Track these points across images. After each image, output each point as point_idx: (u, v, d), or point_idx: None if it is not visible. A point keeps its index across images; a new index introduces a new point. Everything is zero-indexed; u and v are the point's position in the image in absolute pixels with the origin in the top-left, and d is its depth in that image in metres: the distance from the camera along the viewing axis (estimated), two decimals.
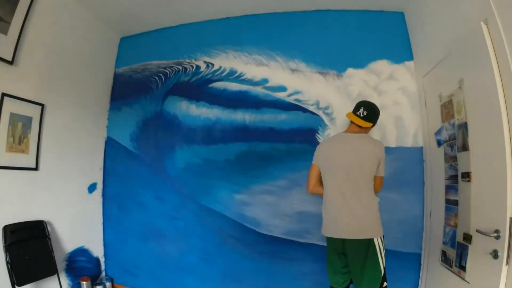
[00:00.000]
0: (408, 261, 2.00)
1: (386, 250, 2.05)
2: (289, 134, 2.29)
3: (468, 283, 1.38)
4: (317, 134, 2.24)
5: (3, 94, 1.79)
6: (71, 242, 2.30)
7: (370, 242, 1.54)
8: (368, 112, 1.68)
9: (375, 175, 1.65)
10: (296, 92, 2.32)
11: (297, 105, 2.31)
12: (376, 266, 1.54)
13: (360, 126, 1.70)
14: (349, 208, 1.58)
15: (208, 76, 2.55)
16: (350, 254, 1.58)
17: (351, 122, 1.74)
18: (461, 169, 1.50)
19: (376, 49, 2.22)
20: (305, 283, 2.17)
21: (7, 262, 1.71)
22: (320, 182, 1.77)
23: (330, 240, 1.67)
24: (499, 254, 1.15)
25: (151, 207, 2.56)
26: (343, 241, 1.59)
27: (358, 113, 1.69)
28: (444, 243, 1.67)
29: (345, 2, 2.25)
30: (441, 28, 1.75)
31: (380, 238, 1.57)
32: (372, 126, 1.77)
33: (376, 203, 1.62)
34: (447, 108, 1.65)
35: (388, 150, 2.10)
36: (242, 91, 2.43)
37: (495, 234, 1.17)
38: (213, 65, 2.54)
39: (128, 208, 2.62)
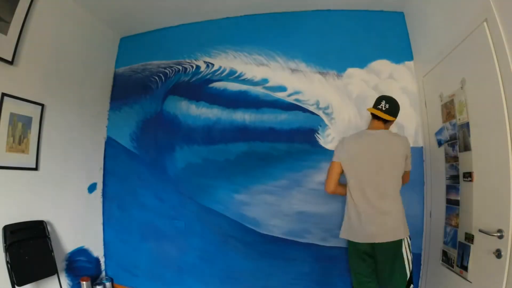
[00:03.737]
0: None
1: None
2: (289, 134, 2.28)
3: (470, 282, 1.38)
4: (317, 134, 2.24)
5: (3, 94, 1.79)
6: (71, 242, 2.30)
7: (398, 243, 1.49)
8: (390, 106, 1.61)
9: (404, 171, 1.60)
10: (296, 92, 2.32)
11: (297, 105, 2.30)
12: (403, 268, 1.49)
13: (384, 121, 1.63)
14: (378, 208, 1.50)
15: (208, 76, 2.54)
16: (379, 257, 1.52)
17: (373, 118, 1.67)
18: (463, 169, 1.50)
19: (376, 49, 2.22)
20: (305, 283, 2.17)
21: (7, 262, 1.71)
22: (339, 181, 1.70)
23: (355, 244, 1.57)
24: (502, 253, 1.15)
25: (151, 207, 2.56)
26: (372, 244, 1.51)
27: (379, 107, 1.62)
28: (445, 243, 1.67)
29: (345, 2, 2.25)
30: (441, 28, 1.75)
31: (407, 238, 1.52)
32: (393, 121, 1.69)
33: (401, 202, 1.56)
34: (448, 108, 1.64)
35: None
36: (242, 91, 2.43)
37: (498, 234, 1.17)
38: (213, 65, 2.54)
39: (128, 208, 2.62)
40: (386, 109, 1.61)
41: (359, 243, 1.55)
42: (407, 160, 1.59)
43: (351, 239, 1.58)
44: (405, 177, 1.66)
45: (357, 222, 1.55)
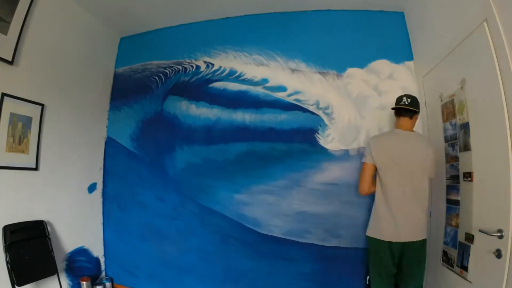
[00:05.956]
0: None
1: None
2: (289, 134, 2.28)
3: (471, 282, 1.38)
4: (317, 134, 2.24)
5: (3, 94, 1.79)
6: (71, 242, 2.30)
7: (424, 244, 1.57)
8: (411, 100, 1.66)
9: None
10: (296, 92, 2.32)
11: (297, 105, 2.30)
12: (422, 274, 1.59)
13: (410, 116, 1.66)
14: (411, 209, 1.53)
15: (208, 76, 2.54)
16: (409, 256, 1.54)
17: (399, 116, 1.69)
18: (463, 169, 1.50)
19: (376, 49, 2.22)
20: (305, 283, 2.17)
21: (7, 262, 1.71)
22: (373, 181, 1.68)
23: (386, 243, 1.56)
24: (502, 253, 1.15)
25: (151, 207, 2.56)
26: (403, 244, 1.53)
27: (402, 103, 1.66)
28: (445, 243, 1.67)
29: (345, 2, 2.25)
30: (441, 28, 1.75)
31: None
32: (418, 116, 1.72)
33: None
34: (448, 108, 1.64)
35: None
36: (242, 91, 2.43)
37: (498, 234, 1.17)
38: (213, 65, 2.54)
39: (128, 208, 2.62)
40: (409, 103, 1.65)
41: (390, 242, 1.54)
42: (433, 164, 1.60)
43: (382, 238, 1.56)
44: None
45: (391, 221, 1.54)
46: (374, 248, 1.63)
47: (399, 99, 1.70)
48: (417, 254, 1.55)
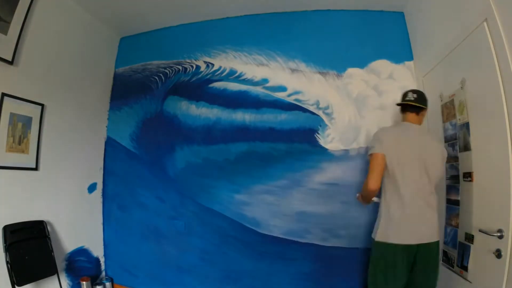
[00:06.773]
0: None
1: None
2: (289, 134, 2.28)
3: (471, 282, 1.38)
4: (317, 134, 2.24)
5: (3, 94, 1.78)
6: (71, 242, 2.30)
7: (438, 246, 1.45)
8: (418, 95, 1.57)
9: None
10: (296, 92, 2.32)
11: (297, 105, 2.30)
12: (438, 272, 1.47)
13: (416, 112, 1.57)
14: (427, 206, 1.42)
15: (208, 76, 2.54)
16: (424, 261, 1.41)
17: (405, 111, 1.61)
18: (463, 169, 1.50)
19: (376, 49, 2.22)
20: (305, 283, 2.17)
21: (7, 262, 1.71)
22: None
23: (399, 247, 1.40)
24: (502, 253, 1.15)
25: (151, 207, 2.56)
26: (418, 246, 1.40)
27: (407, 99, 1.58)
28: (445, 243, 1.67)
29: (345, 2, 2.25)
30: (441, 28, 1.75)
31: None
32: (425, 112, 1.63)
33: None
34: (448, 108, 1.64)
35: None
36: (242, 91, 2.43)
37: (498, 234, 1.17)
38: (213, 65, 2.54)
39: (128, 208, 2.62)
40: (415, 98, 1.57)
41: (405, 245, 1.39)
42: (443, 162, 1.52)
43: (397, 242, 1.40)
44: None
45: (405, 222, 1.41)
46: (384, 255, 1.44)
47: (405, 95, 1.62)
48: (433, 257, 1.43)
